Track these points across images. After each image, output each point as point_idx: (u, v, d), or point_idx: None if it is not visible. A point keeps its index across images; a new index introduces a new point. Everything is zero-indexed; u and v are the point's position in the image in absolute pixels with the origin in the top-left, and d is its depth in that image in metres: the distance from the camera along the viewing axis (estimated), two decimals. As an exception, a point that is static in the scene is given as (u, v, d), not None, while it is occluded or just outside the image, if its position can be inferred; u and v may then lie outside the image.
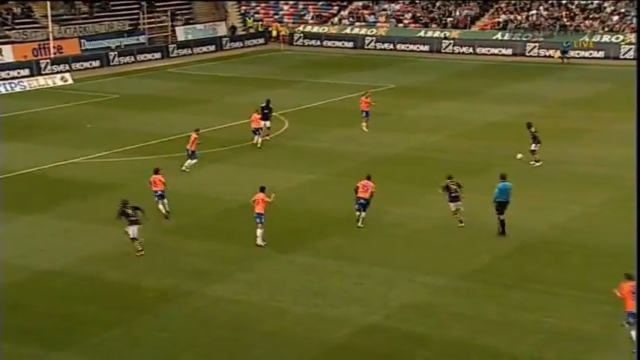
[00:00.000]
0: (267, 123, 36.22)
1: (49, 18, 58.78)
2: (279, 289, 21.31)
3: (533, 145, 32.30)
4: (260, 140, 35.48)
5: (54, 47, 58.76)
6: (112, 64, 60.12)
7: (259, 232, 24.34)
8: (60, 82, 53.11)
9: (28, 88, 51.38)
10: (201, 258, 23.50)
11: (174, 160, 34.14)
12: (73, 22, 63.60)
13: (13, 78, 52.75)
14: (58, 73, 54.88)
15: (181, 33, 68.88)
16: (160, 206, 26.68)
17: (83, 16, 65.16)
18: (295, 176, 31.48)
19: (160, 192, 26.56)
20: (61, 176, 31.61)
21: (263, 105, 36.48)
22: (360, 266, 22.77)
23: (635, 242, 17.42)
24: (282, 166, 32.77)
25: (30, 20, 62.06)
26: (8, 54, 57.02)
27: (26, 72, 54.49)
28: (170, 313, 20.08)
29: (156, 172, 26.92)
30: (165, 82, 53.89)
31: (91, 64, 59.06)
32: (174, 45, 65.83)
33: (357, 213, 25.80)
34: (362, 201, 25.75)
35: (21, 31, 59.92)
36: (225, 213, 27.42)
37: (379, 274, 22.26)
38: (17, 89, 50.87)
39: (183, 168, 31.59)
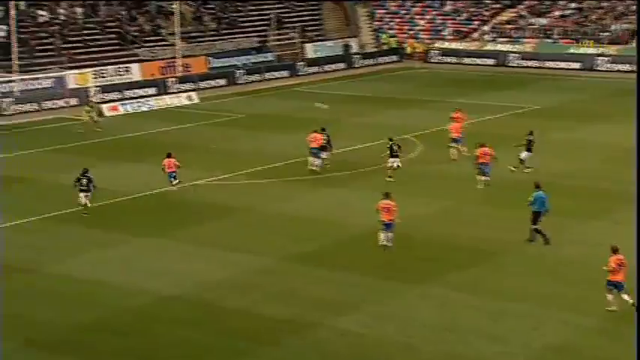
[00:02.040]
0: (324, 154, 36.10)
1: (178, 36, 60.97)
2: (408, 323, 21.13)
3: (525, 153, 34.97)
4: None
5: (181, 65, 60.83)
6: (238, 82, 61.43)
7: (383, 235, 25.37)
8: (186, 102, 54.62)
9: (154, 108, 53.04)
10: (326, 287, 23.59)
11: (299, 183, 34.55)
12: (201, 39, 65.76)
13: (140, 97, 54.71)
14: (184, 92, 56.57)
15: (311, 50, 69.98)
16: (175, 182, 32.35)
17: (211, 33, 67.21)
18: (428, 202, 31.34)
19: (173, 173, 32.36)
20: (183, 199, 32.27)
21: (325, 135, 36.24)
22: (499, 301, 22.32)
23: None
24: (414, 191, 32.63)
25: (158, 38, 64.60)
26: (136, 72, 59.47)
27: (153, 91, 56.39)
28: (292, 344, 20.20)
29: (169, 156, 32.73)
30: (292, 102, 54.71)
31: (217, 83, 60.53)
32: (303, 63, 66.84)
33: None
34: None
35: (149, 48, 62.53)
36: (351, 240, 27.53)
37: (520, 310, 21.74)
38: (144, 109, 52.61)
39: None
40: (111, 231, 28.50)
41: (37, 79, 53.60)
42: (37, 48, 57.46)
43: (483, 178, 33.04)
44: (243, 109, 51.81)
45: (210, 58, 63.82)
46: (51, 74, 54.30)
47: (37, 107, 50.97)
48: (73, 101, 52.36)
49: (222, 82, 60.99)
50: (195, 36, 66.07)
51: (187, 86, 58.20)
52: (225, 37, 67.11)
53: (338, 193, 33.05)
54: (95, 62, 57.98)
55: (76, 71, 54.95)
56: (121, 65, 59.09)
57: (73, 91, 53.39)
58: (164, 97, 55.28)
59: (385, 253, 25.84)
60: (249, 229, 28.80)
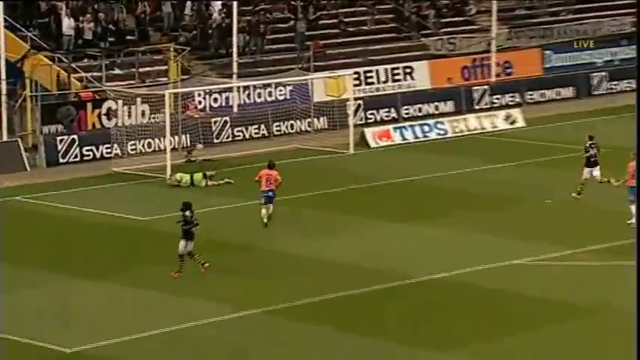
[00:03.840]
0: (596, 172, 40.20)
1: (494, 16, 60.76)
2: None
3: None
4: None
5: (497, 64, 60.76)
6: (595, 93, 61.42)
7: None
8: (504, 125, 54.74)
9: (449, 135, 53.34)
10: None
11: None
12: (533, 22, 65.78)
13: (427, 116, 55.23)
14: (501, 108, 56.83)
15: None
16: (264, 211, 36.41)
17: (549, 11, 67.56)
18: None
19: (271, 193, 36.39)
20: (498, 287, 32.87)
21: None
22: None
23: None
24: None
25: (460, 20, 65.31)
26: (422, 76, 59.65)
27: (448, 106, 57.00)
28: None
29: (270, 166, 36.77)
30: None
31: (559, 94, 60.66)
32: None
33: None
34: None
35: (445, 38, 62.65)
36: None
37: None
38: (432, 135, 52.95)
39: None
40: (386, 334, 28.68)
41: (266, 86, 54.69)
42: (269, 37, 58.91)
43: None
44: (609, 138, 49.07)
45: (547, 51, 63.88)
46: (286, 79, 54.96)
47: (265, 132, 52.41)
48: (320, 123, 53.45)
49: (567, 92, 61.42)
50: (523, 16, 66.59)
51: (507, 99, 58.90)
52: (576, 17, 66.69)
53: None
54: (357, 60, 58.90)
55: (326, 74, 55.55)
56: (397, 65, 59.49)
57: (320, 105, 54.21)
58: (467, 116, 55.63)
59: None
60: (594, 344, 28.33)
